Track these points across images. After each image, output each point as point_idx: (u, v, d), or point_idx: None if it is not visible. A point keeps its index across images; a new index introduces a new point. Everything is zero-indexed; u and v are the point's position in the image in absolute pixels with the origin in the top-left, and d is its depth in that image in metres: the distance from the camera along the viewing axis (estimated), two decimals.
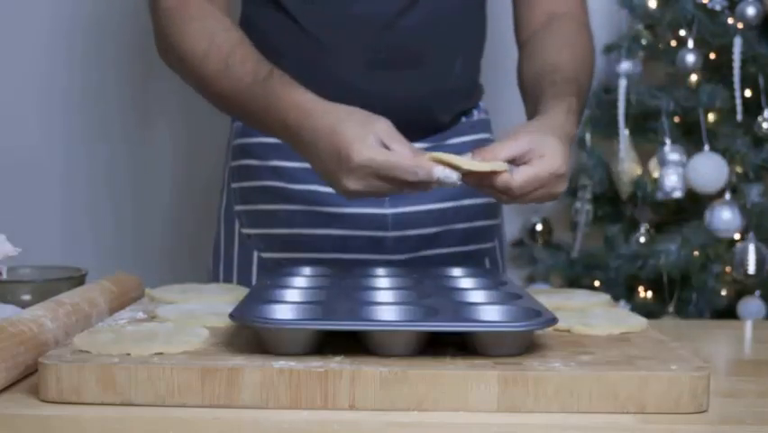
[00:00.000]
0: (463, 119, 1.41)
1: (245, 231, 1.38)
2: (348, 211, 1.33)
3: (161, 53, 1.24)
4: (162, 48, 1.23)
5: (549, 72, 1.21)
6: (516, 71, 1.32)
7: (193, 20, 1.19)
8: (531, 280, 2.18)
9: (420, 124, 1.34)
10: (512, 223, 2.07)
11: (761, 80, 1.97)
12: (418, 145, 1.35)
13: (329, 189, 1.31)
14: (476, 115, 1.44)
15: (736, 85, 1.96)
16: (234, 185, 1.40)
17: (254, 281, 1.35)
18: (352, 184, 1.02)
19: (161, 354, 0.81)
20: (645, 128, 2.05)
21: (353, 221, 1.33)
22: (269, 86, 1.11)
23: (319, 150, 1.05)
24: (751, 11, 1.94)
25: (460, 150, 1.38)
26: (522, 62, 1.31)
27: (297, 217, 1.34)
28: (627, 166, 2.03)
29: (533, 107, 1.19)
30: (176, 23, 1.20)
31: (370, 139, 1.01)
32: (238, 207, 1.39)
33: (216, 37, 1.17)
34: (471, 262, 1.37)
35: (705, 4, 2.00)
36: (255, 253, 1.37)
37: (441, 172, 1.00)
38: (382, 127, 1.03)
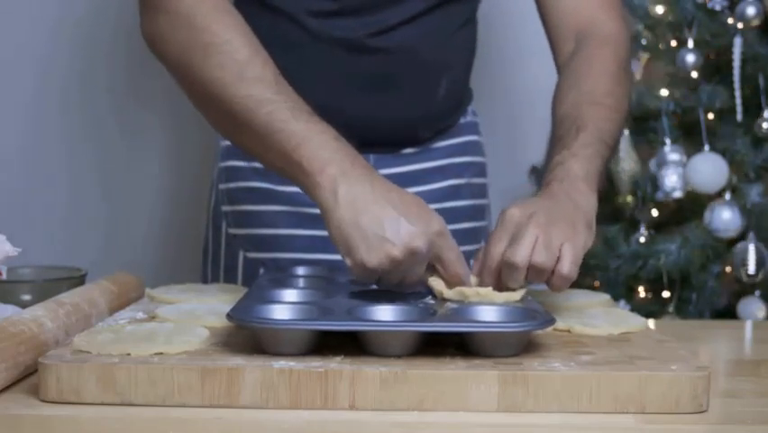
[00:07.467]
0: (450, 127, 1.41)
1: (231, 231, 1.38)
2: None
3: (155, 23, 1.08)
4: (163, 19, 1.07)
5: (557, 125, 1.16)
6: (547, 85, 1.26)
7: (229, 13, 1.06)
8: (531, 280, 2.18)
9: (402, 141, 1.35)
10: None
11: (761, 80, 1.97)
12: (404, 153, 1.36)
13: None
14: (463, 119, 1.43)
15: (736, 85, 1.96)
16: (222, 186, 1.40)
17: (240, 282, 1.35)
18: (417, 239, 0.92)
19: (161, 354, 0.81)
20: (645, 128, 2.05)
21: None
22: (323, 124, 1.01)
23: (390, 191, 0.96)
24: (751, 11, 1.95)
25: (446, 152, 1.39)
26: (554, 95, 1.23)
27: (283, 218, 1.34)
28: (627, 166, 2.03)
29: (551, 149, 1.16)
30: (208, 4, 1.05)
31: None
32: (225, 208, 1.39)
33: (260, 48, 1.05)
34: None
35: (705, 4, 2.00)
36: (241, 254, 1.37)
37: (440, 288, 0.96)
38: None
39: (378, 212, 0.93)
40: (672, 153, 2.00)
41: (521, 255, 0.94)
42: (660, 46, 2.07)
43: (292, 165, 0.97)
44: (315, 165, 0.95)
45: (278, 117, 0.99)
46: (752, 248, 1.92)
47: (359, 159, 0.98)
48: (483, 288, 0.96)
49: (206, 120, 1.10)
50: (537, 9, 1.32)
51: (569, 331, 0.95)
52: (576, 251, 0.96)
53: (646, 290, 2.05)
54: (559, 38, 1.29)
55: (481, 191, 1.46)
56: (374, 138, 1.30)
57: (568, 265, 0.94)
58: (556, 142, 1.13)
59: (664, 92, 2.03)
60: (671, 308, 2.00)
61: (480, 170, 1.46)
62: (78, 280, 1.14)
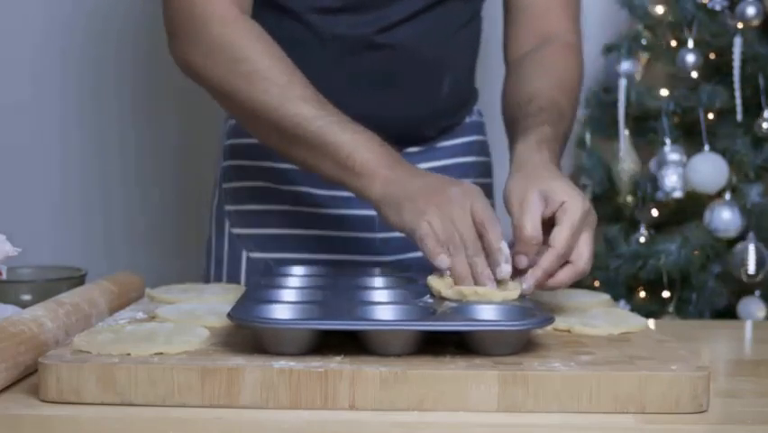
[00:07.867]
0: (455, 126, 1.41)
1: (235, 231, 1.38)
2: (336, 212, 1.33)
3: (191, 54, 1.16)
4: (199, 51, 1.15)
5: (524, 103, 1.19)
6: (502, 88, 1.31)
7: (264, 40, 1.15)
8: None
9: (407, 138, 1.35)
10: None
11: (761, 80, 1.97)
12: (408, 151, 1.36)
13: (318, 190, 1.32)
14: (468, 119, 1.43)
15: (736, 85, 1.96)
16: (225, 185, 1.40)
17: (243, 282, 1.35)
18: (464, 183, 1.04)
19: (161, 354, 0.81)
20: (645, 128, 2.05)
21: (342, 222, 1.33)
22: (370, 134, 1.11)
23: (425, 176, 1.08)
24: (751, 11, 1.95)
25: (451, 152, 1.40)
26: (506, 87, 1.29)
27: (286, 218, 1.34)
28: (627, 166, 2.03)
29: (510, 138, 1.19)
30: (241, 34, 1.15)
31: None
32: (228, 207, 1.39)
33: (296, 70, 1.14)
34: None
35: (705, 4, 2.00)
36: (244, 253, 1.37)
37: (439, 287, 0.98)
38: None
39: (428, 182, 1.06)
40: (672, 153, 2.00)
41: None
42: (660, 46, 2.07)
43: (346, 171, 1.08)
44: (368, 168, 1.07)
45: (329, 131, 1.09)
46: (752, 248, 1.92)
47: (402, 160, 1.10)
48: (481, 287, 0.96)
49: (252, 134, 1.21)
50: (503, 5, 1.35)
51: (569, 331, 0.95)
52: (592, 248, 1.02)
53: (646, 290, 2.05)
54: (519, 37, 1.33)
55: (487, 191, 1.46)
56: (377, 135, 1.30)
57: (585, 263, 1.01)
58: (537, 112, 1.16)
59: (664, 92, 2.03)
60: (671, 308, 2.00)
61: (486, 169, 1.46)
62: (78, 280, 1.14)
